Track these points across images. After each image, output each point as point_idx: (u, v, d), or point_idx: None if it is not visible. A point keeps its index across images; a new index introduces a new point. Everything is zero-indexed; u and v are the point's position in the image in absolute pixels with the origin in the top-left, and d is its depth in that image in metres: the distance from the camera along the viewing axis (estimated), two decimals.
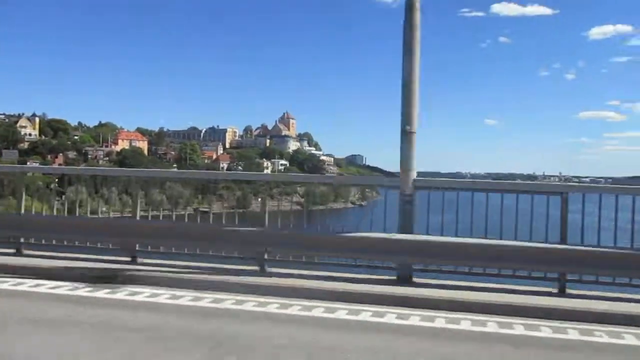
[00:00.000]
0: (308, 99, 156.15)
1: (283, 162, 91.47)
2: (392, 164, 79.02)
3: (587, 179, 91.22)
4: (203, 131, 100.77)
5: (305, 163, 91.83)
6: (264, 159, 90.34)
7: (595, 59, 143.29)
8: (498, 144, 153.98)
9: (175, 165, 75.81)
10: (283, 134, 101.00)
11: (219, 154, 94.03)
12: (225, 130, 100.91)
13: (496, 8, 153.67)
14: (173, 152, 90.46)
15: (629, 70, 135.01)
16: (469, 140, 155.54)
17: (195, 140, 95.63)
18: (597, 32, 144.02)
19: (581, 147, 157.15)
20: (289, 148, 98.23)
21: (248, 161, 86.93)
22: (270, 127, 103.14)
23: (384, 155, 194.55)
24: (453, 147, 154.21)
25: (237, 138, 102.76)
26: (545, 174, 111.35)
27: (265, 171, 67.57)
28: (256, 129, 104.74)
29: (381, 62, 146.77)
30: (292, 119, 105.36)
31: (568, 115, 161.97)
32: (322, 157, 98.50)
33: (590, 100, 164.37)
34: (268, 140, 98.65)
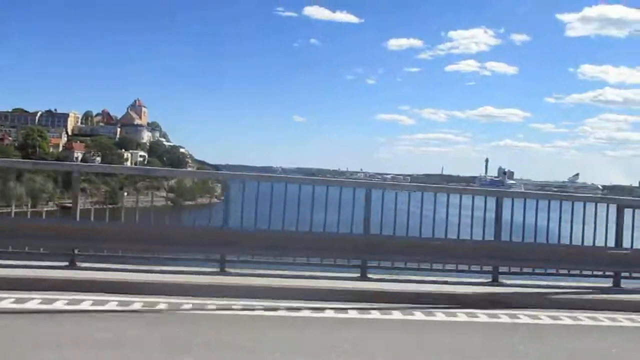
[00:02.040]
0: (146, 86, 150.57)
1: (142, 153, 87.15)
2: (214, 158, 79.80)
3: (389, 176, 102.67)
4: (38, 115, 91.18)
5: (164, 155, 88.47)
6: (123, 150, 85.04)
7: (392, 68, 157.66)
8: (306, 140, 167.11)
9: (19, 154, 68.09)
10: (135, 122, 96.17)
11: (63, 141, 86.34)
12: (66, 115, 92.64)
13: (308, 10, 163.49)
14: (10, 138, 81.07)
15: (418, 80, 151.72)
16: (279, 135, 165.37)
17: (28, 124, 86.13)
18: (395, 43, 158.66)
19: (378, 146, 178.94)
20: (143, 138, 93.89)
21: (109, 151, 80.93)
22: (111, 113, 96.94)
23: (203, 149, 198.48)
24: (264, 141, 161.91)
25: (79, 124, 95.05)
26: (349, 169, 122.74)
27: (126, 163, 63.50)
28: (96, 115, 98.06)
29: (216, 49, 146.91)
30: (144, 107, 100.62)
31: (368, 117, 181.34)
32: (182, 150, 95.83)
33: (387, 104, 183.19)
34: (119, 129, 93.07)
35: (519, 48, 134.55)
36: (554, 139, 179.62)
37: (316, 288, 6.92)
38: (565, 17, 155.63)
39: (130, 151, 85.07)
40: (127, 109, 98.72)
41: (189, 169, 65.74)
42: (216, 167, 66.62)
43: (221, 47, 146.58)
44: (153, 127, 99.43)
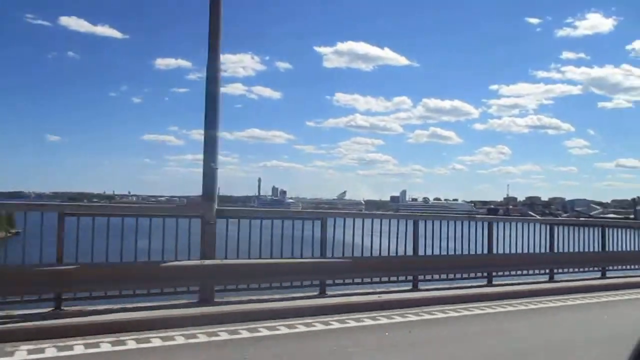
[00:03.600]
0: None
1: None
2: None
3: (163, 198, 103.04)
4: None
5: None
6: None
7: (159, 87, 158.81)
8: (64, 161, 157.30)
9: None
10: None
11: None
12: None
13: (65, 21, 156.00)
14: None
15: (187, 101, 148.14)
16: (28, 156, 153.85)
17: None
18: (162, 62, 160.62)
19: (145, 167, 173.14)
20: None
21: None
22: None
23: None
24: (11, 162, 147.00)
25: None
26: (116, 192, 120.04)
27: None
28: None
29: None
30: None
31: (134, 137, 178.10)
32: None
33: (154, 124, 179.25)
34: None
35: (283, 75, 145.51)
36: (314, 159, 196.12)
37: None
38: (322, 49, 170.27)
39: None
40: None
41: None
42: None
43: None
44: None
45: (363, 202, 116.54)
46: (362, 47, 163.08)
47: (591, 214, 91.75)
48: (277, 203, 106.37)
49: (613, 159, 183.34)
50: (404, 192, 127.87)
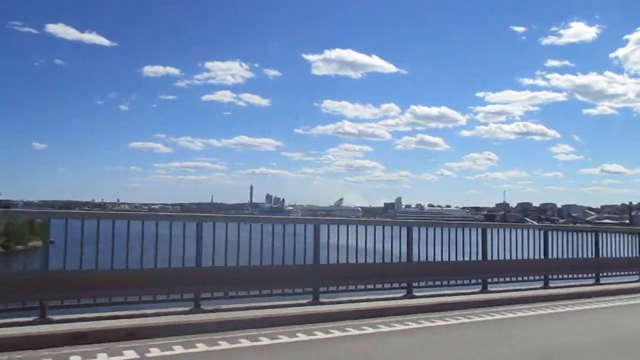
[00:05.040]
0: None
1: None
2: None
3: (157, 206, 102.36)
4: None
5: None
6: None
7: (147, 94, 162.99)
8: (50, 169, 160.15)
9: None
10: None
11: None
12: None
13: (51, 28, 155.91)
14: None
15: (175, 108, 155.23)
16: (13, 164, 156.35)
17: None
18: (150, 70, 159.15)
19: (132, 175, 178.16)
20: None
21: None
22: None
23: None
24: None
25: None
26: (105, 201, 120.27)
27: None
28: None
29: None
30: None
31: (120, 144, 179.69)
32: None
33: (141, 132, 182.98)
34: None
35: (271, 82, 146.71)
36: (303, 166, 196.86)
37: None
38: (310, 57, 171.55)
39: None
40: None
41: None
42: None
43: None
44: None
45: (360, 209, 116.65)
46: (350, 55, 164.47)
47: (587, 219, 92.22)
48: (276, 211, 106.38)
49: (598, 165, 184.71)
50: (399, 199, 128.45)
